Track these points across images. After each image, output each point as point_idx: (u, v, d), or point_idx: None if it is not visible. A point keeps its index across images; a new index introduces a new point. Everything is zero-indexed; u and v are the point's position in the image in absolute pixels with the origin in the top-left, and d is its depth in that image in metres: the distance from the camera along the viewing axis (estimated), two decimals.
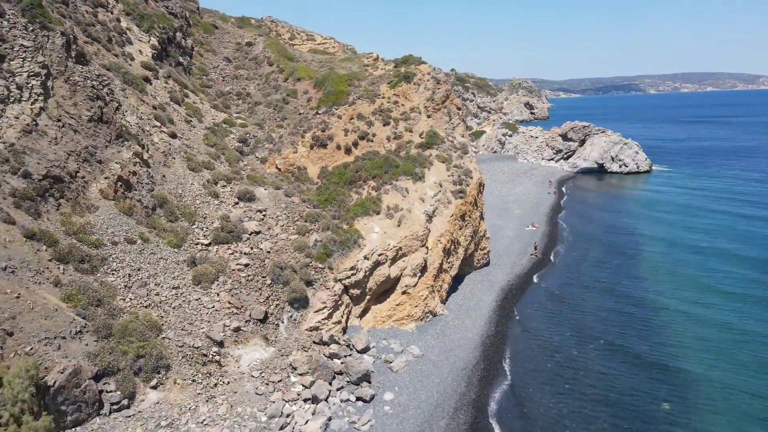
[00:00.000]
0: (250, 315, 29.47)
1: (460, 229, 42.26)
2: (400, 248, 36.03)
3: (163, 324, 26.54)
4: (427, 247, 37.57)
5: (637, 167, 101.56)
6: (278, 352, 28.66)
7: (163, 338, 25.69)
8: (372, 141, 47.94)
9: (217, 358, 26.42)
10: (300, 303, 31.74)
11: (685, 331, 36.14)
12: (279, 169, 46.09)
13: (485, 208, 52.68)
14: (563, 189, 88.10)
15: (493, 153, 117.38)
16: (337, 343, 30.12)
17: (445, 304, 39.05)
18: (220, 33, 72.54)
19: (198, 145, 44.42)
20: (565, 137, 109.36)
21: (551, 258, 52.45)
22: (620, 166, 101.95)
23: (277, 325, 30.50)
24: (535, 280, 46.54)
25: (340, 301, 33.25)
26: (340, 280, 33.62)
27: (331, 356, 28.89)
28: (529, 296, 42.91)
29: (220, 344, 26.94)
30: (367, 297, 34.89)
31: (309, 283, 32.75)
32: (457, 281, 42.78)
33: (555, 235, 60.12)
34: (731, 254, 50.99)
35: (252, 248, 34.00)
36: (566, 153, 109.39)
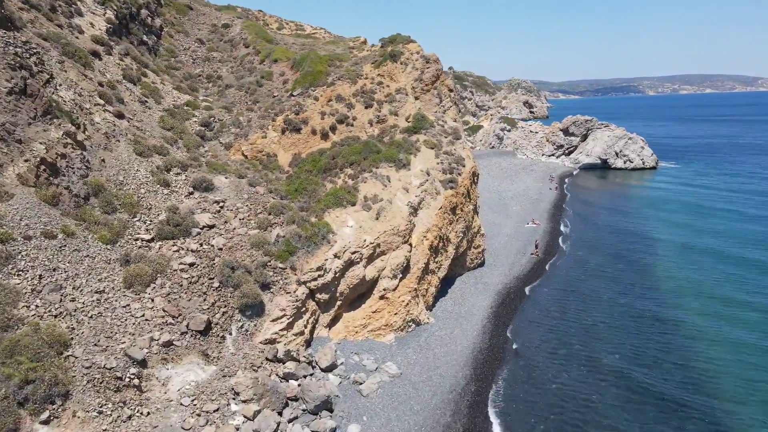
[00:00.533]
0: (187, 325, 23.97)
1: (451, 223, 36.80)
2: (378, 245, 30.58)
3: (72, 338, 21.04)
4: (410, 244, 32.12)
5: (643, 163, 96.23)
6: (220, 372, 23.18)
7: (67, 357, 20.21)
8: (352, 125, 42.54)
9: (137, 381, 20.90)
10: (253, 310, 26.28)
11: (713, 354, 30.18)
12: (245, 156, 40.62)
13: (481, 204, 47.28)
14: (565, 185, 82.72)
15: (490, 148, 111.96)
16: (296, 359, 24.61)
17: (431, 310, 33.57)
18: (195, 14, 67.12)
19: (152, 128, 38.91)
20: (566, 132, 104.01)
21: (554, 258, 47.01)
22: (625, 162, 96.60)
23: (223, 337, 25.00)
24: (536, 282, 41.10)
25: (304, 308, 27.80)
26: (305, 283, 28.19)
27: (286, 377, 23.40)
28: (529, 302, 37.46)
29: (142, 363, 21.43)
30: (338, 303, 29.42)
31: (266, 286, 27.30)
32: (446, 284, 37.30)
33: (557, 233, 54.69)
34: (751, 259, 45.00)
35: (201, 244, 28.52)
36: (567, 148, 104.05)
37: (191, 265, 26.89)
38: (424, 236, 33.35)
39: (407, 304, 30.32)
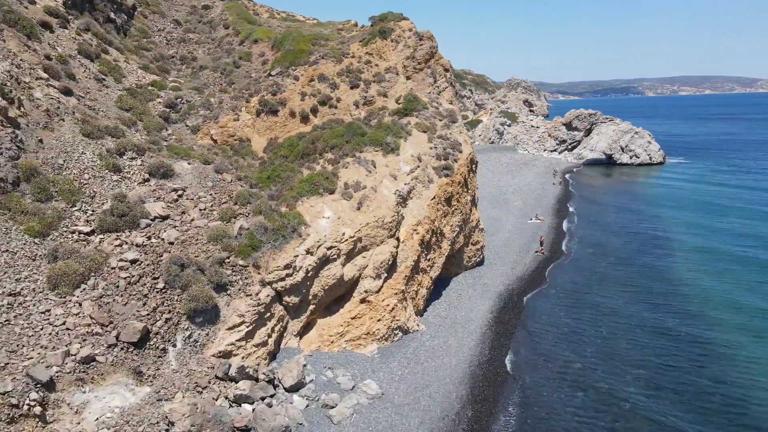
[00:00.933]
0: (117, 336, 19.42)
1: (445, 216, 32.29)
2: (360, 239, 26.08)
3: None
4: (397, 239, 27.61)
5: (650, 158, 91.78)
6: (154, 394, 18.62)
7: None
8: (336, 107, 38.04)
9: (38, 409, 16.35)
10: (205, 316, 21.76)
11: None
12: (214, 141, 36.08)
13: (480, 199, 42.76)
14: (569, 181, 78.23)
15: (490, 143, 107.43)
16: (252, 377, 20.08)
17: (421, 316, 29.03)
18: None
19: (107, 107, 34.35)
20: (569, 126, 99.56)
21: (560, 257, 42.44)
22: (631, 157, 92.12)
23: (165, 350, 20.45)
24: (542, 284, 36.51)
25: (269, 314, 23.29)
26: (270, 284, 23.69)
27: (238, 400, 18.86)
28: (536, 306, 32.86)
29: (49, 386, 16.87)
30: (311, 307, 24.90)
31: (222, 288, 22.78)
32: (440, 285, 32.78)
33: (563, 230, 50.17)
34: None
35: (150, 238, 23.97)
36: (570, 143, 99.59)
37: (133, 262, 22.34)
38: (414, 230, 28.84)
39: (393, 308, 25.77)
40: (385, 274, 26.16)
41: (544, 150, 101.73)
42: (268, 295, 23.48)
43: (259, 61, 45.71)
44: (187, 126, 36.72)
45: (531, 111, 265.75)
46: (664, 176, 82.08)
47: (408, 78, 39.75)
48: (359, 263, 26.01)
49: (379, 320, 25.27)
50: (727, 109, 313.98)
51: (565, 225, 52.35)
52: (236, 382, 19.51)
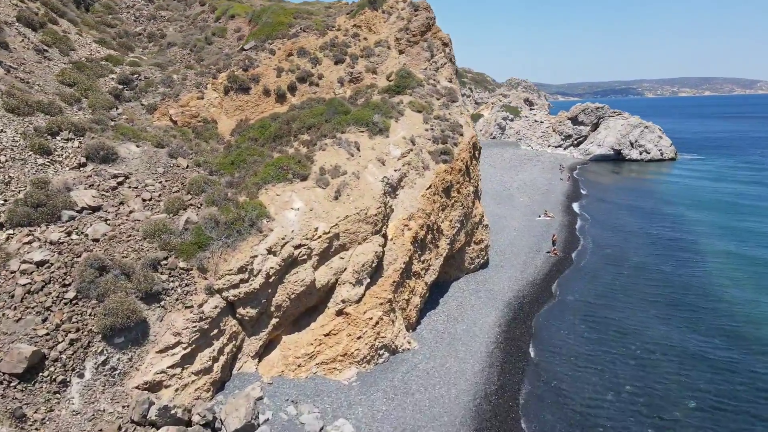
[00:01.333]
0: None
1: (443, 209, 27.12)
2: (337, 236, 20.92)
3: None
4: (384, 236, 22.45)
5: (661, 154, 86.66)
6: None
7: None
8: (317, 85, 32.91)
9: None
10: (128, 336, 16.59)
11: None
12: (174, 122, 30.90)
13: (482, 195, 37.59)
14: (576, 177, 73.10)
15: (491, 139, 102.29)
16: (182, 421, 14.87)
17: (414, 330, 23.82)
18: None
19: (45, 81, 29.22)
20: (575, 121, 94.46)
21: (575, 257, 37.21)
22: (641, 153, 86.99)
23: (65, 383, 15.24)
24: (556, 290, 31.26)
25: (216, 330, 18.14)
26: (220, 292, 18.54)
27: None
28: (551, 318, 27.53)
29: None
30: (273, 321, 19.72)
31: (154, 298, 17.62)
32: (437, 291, 27.60)
33: (575, 227, 45.00)
34: None
35: (70, 234, 18.80)
36: (576, 138, 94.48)
37: (40, 264, 17.17)
38: (406, 225, 23.67)
39: (377, 322, 20.57)
40: (368, 280, 20.98)
41: (548, 145, 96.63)
42: (216, 307, 18.32)
43: (234, 37, 40.58)
44: (142, 105, 31.50)
45: (531, 110, 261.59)
46: (678, 173, 76.75)
47: (401, 52, 34.62)
48: (336, 266, 20.84)
49: (359, 338, 20.08)
50: (732, 109, 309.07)
51: (577, 223, 47.18)
52: (157, 428, 14.30)
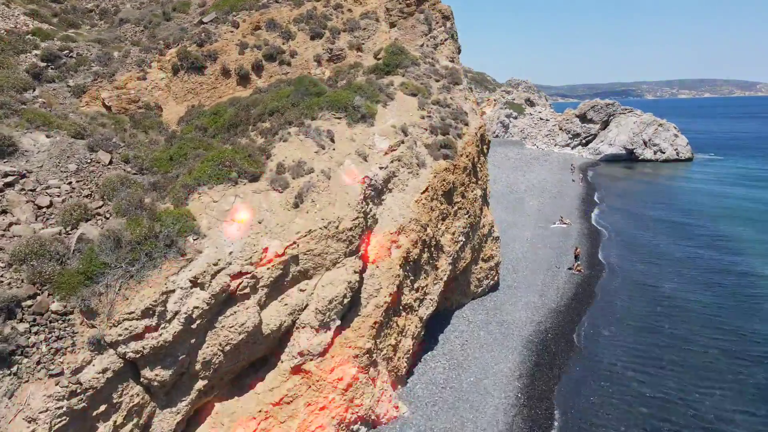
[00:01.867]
0: None
1: (444, 219, 20.99)
2: (295, 259, 14.80)
3: None
4: (363, 258, 16.30)
5: (677, 154, 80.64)
6: None
7: None
8: (289, 64, 26.87)
9: None
10: None
11: None
12: (108, 108, 24.75)
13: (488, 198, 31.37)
14: (589, 178, 67.04)
15: (494, 137, 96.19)
16: None
17: (404, 385, 17.65)
18: None
19: None
20: (583, 118, 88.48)
21: (604, 275, 30.77)
22: (655, 152, 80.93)
23: None
24: (586, 321, 24.70)
25: (107, 405, 12.01)
26: (114, 346, 12.43)
27: None
28: (585, 360, 21.05)
29: None
30: (199, 385, 13.60)
31: (1, 362, 11.45)
32: (435, 325, 21.43)
33: (597, 236, 38.80)
34: None
35: None
36: (585, 137, 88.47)
37: None
38: (394, 241, 17.54)
39: (350, 384, 14.41)
40: (338, 322, 14.85)
41: (555, 145, 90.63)
42: (105, 371, 12.22)
43: (197, 13, 34.50)
44: (68, 86, 25.33)
45: (535, 107, 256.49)
46: (698, 175, 70.35)
47: (392, 26, 28.57)
48: (292, 302, 14.71)
49: (323, 408, 13.93)
50: (737, 109, 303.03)
51: (598, 229, 40.94)
52: None
